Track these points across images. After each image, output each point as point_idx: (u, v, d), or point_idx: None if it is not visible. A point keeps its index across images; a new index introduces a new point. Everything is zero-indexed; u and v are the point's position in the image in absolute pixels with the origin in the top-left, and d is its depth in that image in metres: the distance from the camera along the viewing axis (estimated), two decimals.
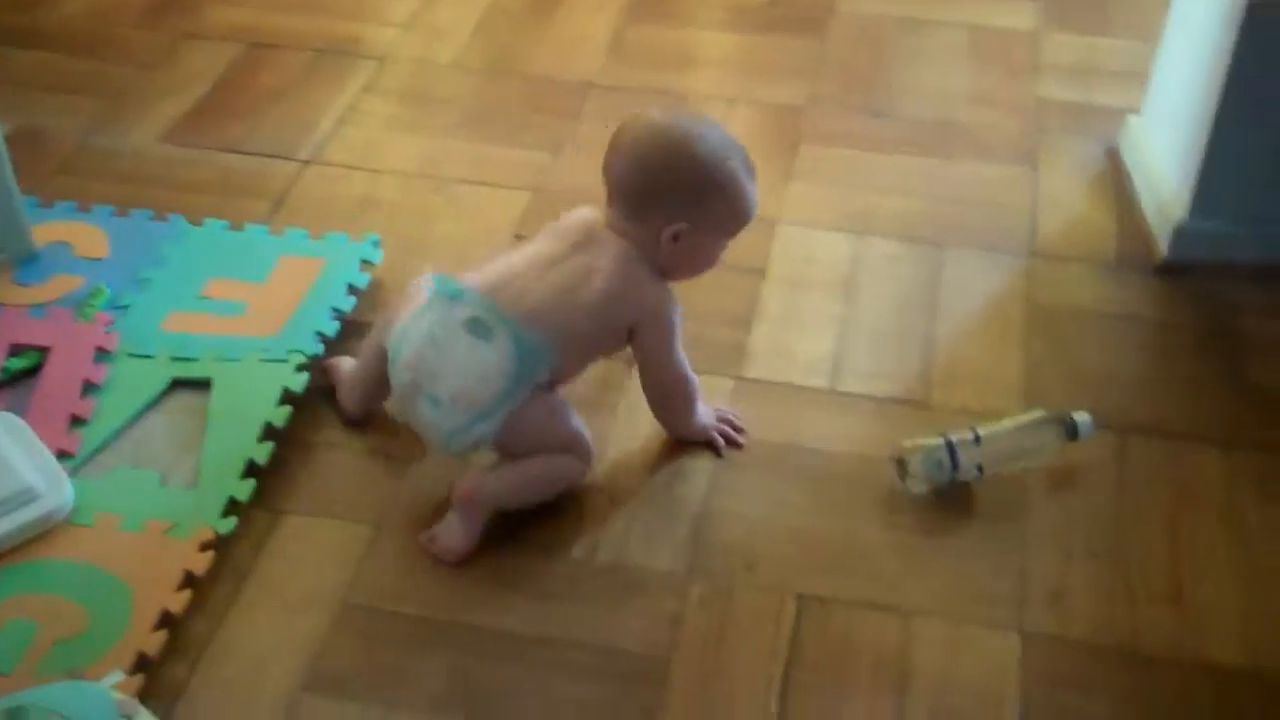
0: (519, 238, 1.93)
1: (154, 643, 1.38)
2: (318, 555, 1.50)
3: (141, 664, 1.36)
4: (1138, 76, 2.12)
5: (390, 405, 1.64)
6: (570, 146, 2.13)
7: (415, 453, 1.61)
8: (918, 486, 1.56)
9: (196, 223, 1.92)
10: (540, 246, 1.57)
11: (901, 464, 1.57)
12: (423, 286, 1.58)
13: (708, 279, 1.63)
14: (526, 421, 1.51)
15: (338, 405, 1.67)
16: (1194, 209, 1.87)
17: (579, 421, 1.56)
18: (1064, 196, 2.05)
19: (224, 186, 2.03)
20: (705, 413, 1.64)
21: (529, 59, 2.35)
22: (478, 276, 1.54)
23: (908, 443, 1.57)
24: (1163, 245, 1.91)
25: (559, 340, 1.50)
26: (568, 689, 1.38)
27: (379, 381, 1.60)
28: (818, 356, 1.76)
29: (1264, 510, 1.57)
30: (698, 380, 1.61)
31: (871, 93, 2.27)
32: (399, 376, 1.53)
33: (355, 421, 1.66)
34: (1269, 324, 1.83)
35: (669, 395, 1.60)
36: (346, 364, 1.69)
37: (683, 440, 1.63)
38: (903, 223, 1.99)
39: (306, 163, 2.08)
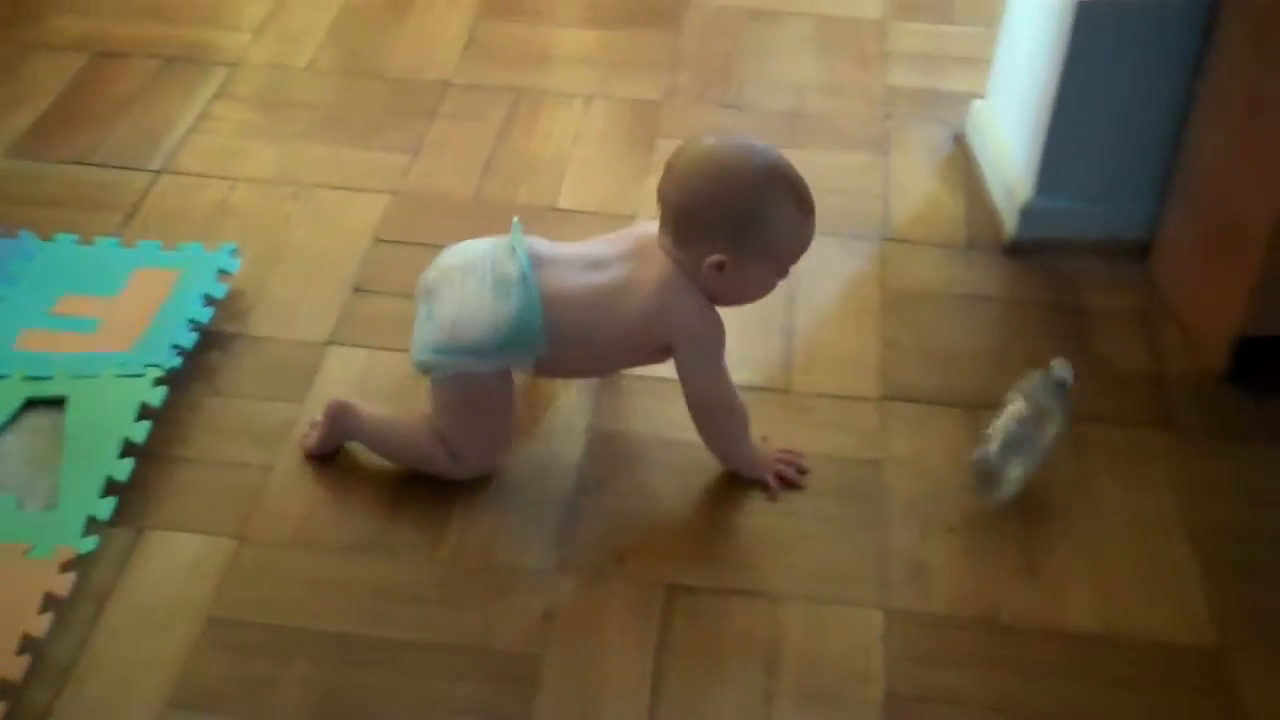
0: (380, 242, 1.93)
1: (16, 668, 1.35)
2: (181, 570, 1.48)
3: (2, 691, 1.34)
4: (982, 62, 2.17)
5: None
6: (428, 147, 2.13)
7: (275, 463, 1.60)
8: (1004, 490, 1.57)
9: (46, 238, 1.88)
10: (594, 246, 1.60)
11: (989, 475, 1.57)
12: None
13: None
14: (459, 395, 1.53)
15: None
16: (1039, 189, 1.92)
17: (489, 441, 1.57)
18: (915, 182, 2.10)
19: (73, 200, 1.99)
20: (763, 451, 1.61)
21: (384, 60, 2.34)
22: (543, 247, 1.56)
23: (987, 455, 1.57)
24: (1010, 226, 1.96)
25: (574, 336, 1.52)
26: (441, 692, 1.38)
27: None
28: None
29: (1113, 480, 1.63)
30: (745, 410, 1.59)
31: (725, 85, 2.30)
32: (429, 271, 1.58)
33: None
34: (1114, 299, 1.89)
35: (708, 416, 1.58)
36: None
37: (738, 475, 1.60)
38: None
39: (158, 173, 2.05)
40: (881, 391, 1.73)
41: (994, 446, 1.57)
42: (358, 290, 1.85)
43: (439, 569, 1.50)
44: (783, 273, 1.57)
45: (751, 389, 1.72)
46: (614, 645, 1.43)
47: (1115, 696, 1.41)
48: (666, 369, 1.74)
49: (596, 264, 1.56)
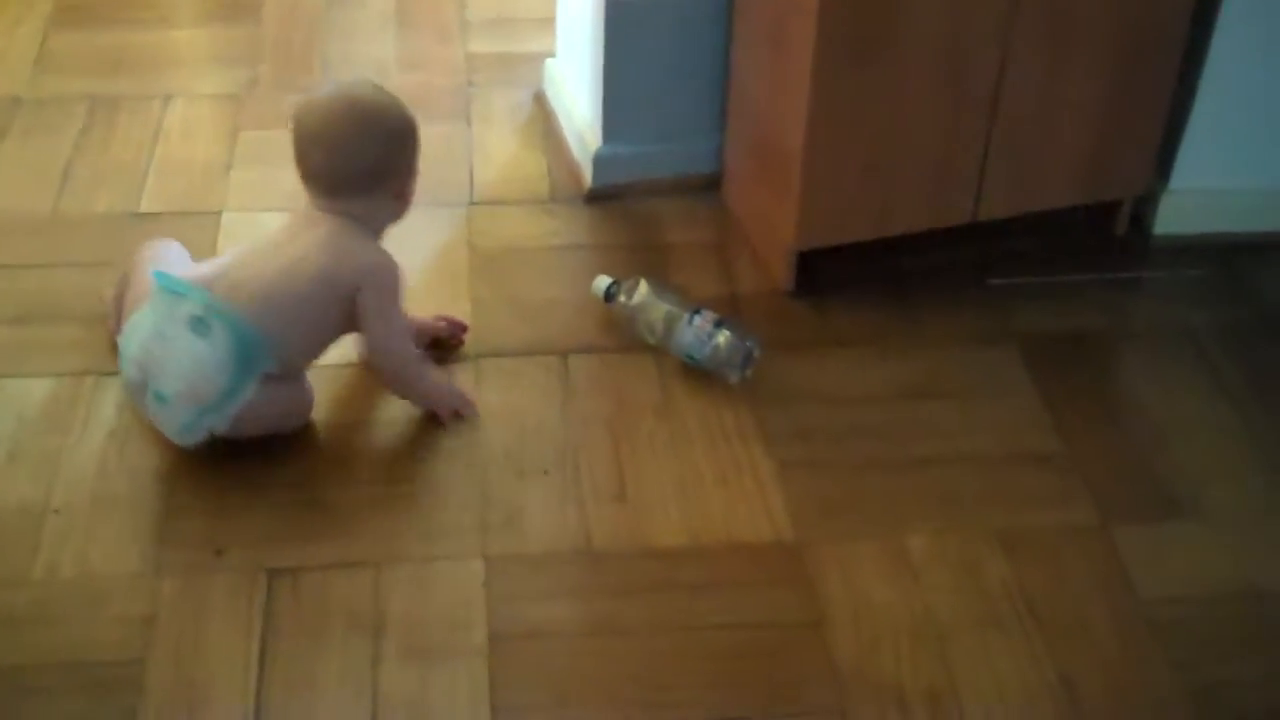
0: None
1: None
2: None
3: None
4: (552, 21, 2.23)
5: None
6: None
7: None
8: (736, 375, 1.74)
9: None
10: (264, 237, 1.65)
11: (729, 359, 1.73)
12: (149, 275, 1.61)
13: None
14: (258, 413, 1.57)
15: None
16: (607, 137, 2.00)
17: (289, 418, 1.63)
18: (498, 145, 2.15)
19: None
20: (444, 386, 1.69)
21: None
22: (200, 270, 1.61)
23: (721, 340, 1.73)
24: (587, 175, 2.03)
25: (284, 325, 1.56)
26: (39, 713, 1.36)
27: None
28: None
29: (693, 401, 1.72)
30: (418, 353, 1.69)
31: (308, 71, 2.31)
32: (128, 372, 1.58)
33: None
34: (690, 232, 1.99)
35: (388, 361, 1.64)
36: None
37: (419, 407, 1.68)
38: None
39: None
40: (475, 350, 1.78)
41: (712, 342, 1.72)
42: None
43: (32, 589, 1.47)
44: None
45: (345, 365, 1.74)
46: (217, 638, 1.43)
47: (705, 601, 1.49)
48: None
49: (272, 250, 1.61)
